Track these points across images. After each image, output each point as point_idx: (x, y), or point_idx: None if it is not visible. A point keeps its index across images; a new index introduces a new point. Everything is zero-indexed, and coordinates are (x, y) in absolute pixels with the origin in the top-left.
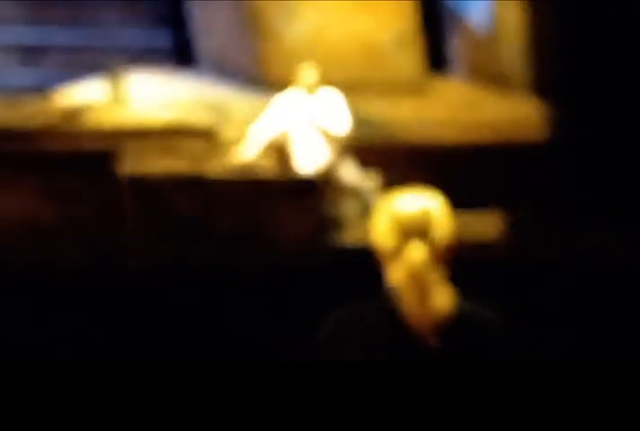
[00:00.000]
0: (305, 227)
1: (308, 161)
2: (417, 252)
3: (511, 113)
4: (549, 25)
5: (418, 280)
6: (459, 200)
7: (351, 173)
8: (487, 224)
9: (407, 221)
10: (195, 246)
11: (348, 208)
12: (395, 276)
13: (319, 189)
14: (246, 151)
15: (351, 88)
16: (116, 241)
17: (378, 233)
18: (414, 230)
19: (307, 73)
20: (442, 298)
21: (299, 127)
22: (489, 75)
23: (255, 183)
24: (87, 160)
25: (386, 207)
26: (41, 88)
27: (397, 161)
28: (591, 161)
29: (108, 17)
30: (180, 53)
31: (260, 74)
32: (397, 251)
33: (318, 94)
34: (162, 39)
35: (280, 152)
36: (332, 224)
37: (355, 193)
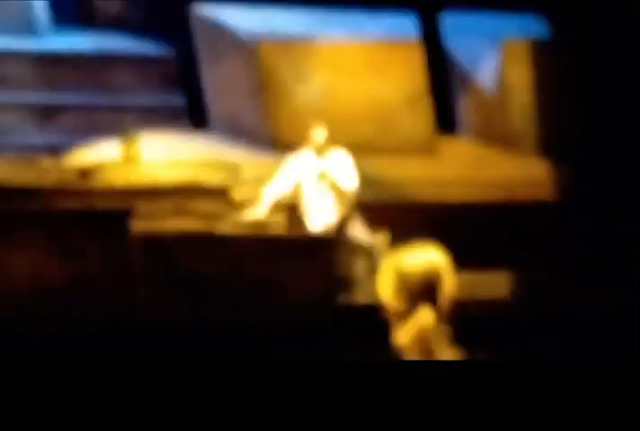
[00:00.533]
0: (316, 285)
1: (319, 220)
2: (426, 317)
3: (520, 172)
4: (556, 86)
5: (425, 343)
6: (468, 259)
7: (360, 232)
8: (496, 283)
9: (413, 282)
10: (206, 305)
11: (358, 267)
12: (402, 335)
13: (331, 246)
14: (258, 210)
15: (361, 148)
16: (126, 300)
17: (386, 294)
18: (421, 290)
19: (317, 134)
20: (447, 358)
21: (310, 187)
22: (497, 135)
23: (268, 241)
24: (100, 218)
25: (392, 268)
26: (55, 148)
27: (407, 220)
28: (601, 219)
29: (122, 78)
30: (193, 113)
31: (272, 135)
32: (405, 313)
33: (328, 155)
34: (175, 99)
35: (291, 211)
36: (343, 282)
37: (365, 252)
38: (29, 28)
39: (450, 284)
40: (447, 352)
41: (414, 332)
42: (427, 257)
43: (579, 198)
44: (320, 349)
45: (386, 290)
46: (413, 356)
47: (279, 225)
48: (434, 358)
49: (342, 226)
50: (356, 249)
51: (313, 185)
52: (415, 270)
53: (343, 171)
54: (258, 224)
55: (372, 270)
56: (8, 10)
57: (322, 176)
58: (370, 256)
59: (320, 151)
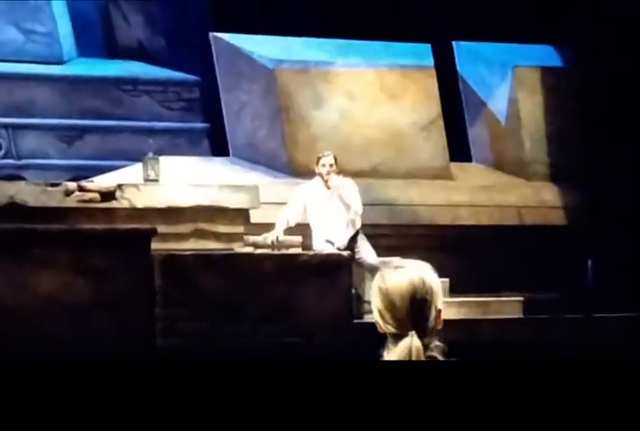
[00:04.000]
0: (334, 304)
1: (329, 243)
2: (414, 342)
3: (532, 197)
4: (567, 113)
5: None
6: (480, 282)
7: (370, 255)
8: (508, 307)
9: (397, 301)
10: (225, 325)
11: (368, 288)
12: (391, 357)
13: (349, 265)
14: (275, 232)
15: (375, 172)
16: (146, 320)
17: (374, 313)
18: (406, 310)
19: (326, 160)
20: None
21: (318, 212)
22: (509, 161)
23: (285, 260)
24: (119, 239)
25: (377, 286)
26: (79, 171)
27: (419, 242)
28: (612, 244)
29: (144, 103)
30: (213, 138)
31: (289, 159)
32: (395, 333)
33: (335, 181)
34: (196, 125)
35: (304, 236)
36: (355, 301)
37: (374, 273)
38: (56, 56)
39: (438, 304)
40: None
41: (403, 356)
42: (413, 275)
43: (589, 223)
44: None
45: (374, 309)
46: None
47: (295, 246)
48: None
49: (349, 249)
50: (365, 270)
51: (320, 210)
52: (399, 289)
53: (350, 197)
54: (274, 245)
55: None
56: (37, 40)
57: (328, 202)
58: None
59: (327, 175)
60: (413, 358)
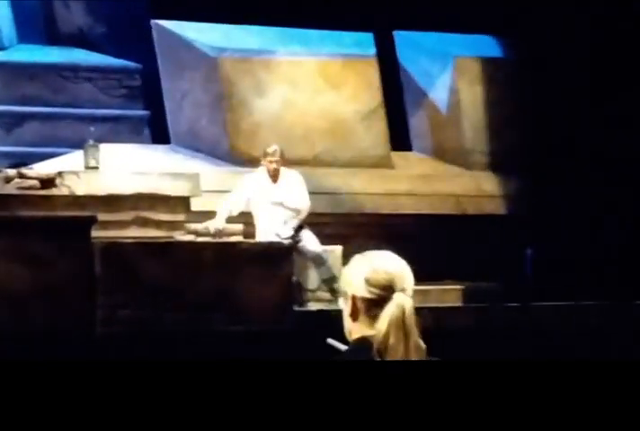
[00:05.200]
0: (274, 292)
1: (271, 234)
2: (407, 300)
3: (472, 186)
4: (507, 102)
5: (407, 323)
6: (420, 271)
7: (311, 243)
8: (448, 296)
9: (390, 275)
10: (165, 313)
11: (310, 276)
12: (380, 322)
13: (289, 253)
14: (216, 221)
15: (318, 162)
16: (86, 308)
17: (360, 287)
18: (396, 283)
19: (272, 153)
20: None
21: (262, 204)
22: (450, 151)
23: (226, 248)
24: (60, 226)
25: (366, 264)
26: (18, 157)
27: (361, 231)
28: (551, 233)
29: (85, 90)
30: (153, 125)
31: (230, 148)
32: (380, 301)
33: (280, 173)
34: (137, 112)
35: (248, 221)
36: (297, 289)
37: (317, 262)
38: None
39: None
40: (417, 342)
41: (396, 313)
42: (395, 257)
43: (530, 212)
44: (277, 355)
45: (359, 284)
46: (393, 338)
47: (236, 234)
48: (414, 337)
49: (293, 238)
50: (308, 259)
51: (265, 203)
52: (391, 267)
53: (296, 191)
54: (216, 233)
55: (324, 279)
56: None
57: (273, 197)
58: (322, 266)
59: (274, 169)
60: (407, 314)
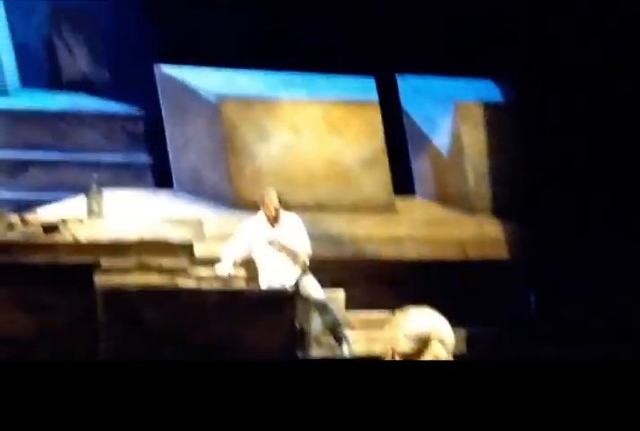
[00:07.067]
0: (278, 339)
1: (273, 280)
2: (443, 353)
3: (475, 231)
4: (509, 147)
5: None
6: None
7: (314, 290)
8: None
9: (428, 331)
10: (168, 359)
11: (313, 323)
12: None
13: (292, 300)
14: (218, 266)
15: (320, 207)
16: (89, 354)
17: (399, 342)
18: (433, 339)
19: (270, 197)
20: None
21: (263, 249)
22: (452, 195)
23: (229, 295)
24: (63, 273)
25: (406, 320)
26: (22, 204)
27: (363, 276)
28: (554, 277)
29: (88, 136)
30: (156, 171)
31: (233, 193)
32: (417, 355)
33: (280, 219)
34: (140, 157)
35: (251, 267)
36: (300, 336)
37: (320, 308)
38: None
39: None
40: None
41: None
42: (432, 313)
43: (533, 258)
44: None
45: (400, 339)
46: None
47: (239, 281)
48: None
49: (297, 285)
50: (311, 305)
51: (266, 248)
52: (428, 324)
53: (296, 235)
54: (219, 279)
55: (327, 326)
56: None
57: (273, 241)
58: (325, 312)
59: (273, 215)
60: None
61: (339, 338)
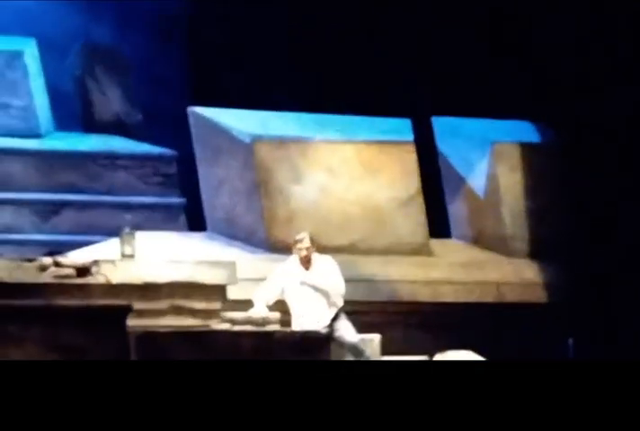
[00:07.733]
0: None
1: (308, 321)
2: None
3: (513, 274)
4: (546, 189)
5: None
6: None
7: (349, 333)
8: None
9: None
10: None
11: None
12: None
13: (327, 342)
14: (257, 309)
15: (354, 249)
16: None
17: None
18: None
19: (302, 242)
20: None
21: (296, 293)
22: (489, 238)
23: (263, 337)
24: (95, 315)
25: None
26: (55, 246)
27: (399, 320)
28: (595, 322)
29: (121, 178)
30: (189, 212)
31: (267, 235)
32: None
33: (313, 262)
34: (173, 199)
35: (283, 313)
36: None
37: (354, 352)
38: (32, 130)
39: None
40: None
41: None
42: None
43: (573, 301)
44: None
45: None
46: None
47: (273, 322)
48: None
49: (331, 328)
50: (345, 348)
51: (299, 290)
52: None
53: (329, 276)
54: (252, 322)
55: None
56: (13, 114)
57: (306, 283)
58: (360, 356)
59: (305, 257)
60: None
61: None
